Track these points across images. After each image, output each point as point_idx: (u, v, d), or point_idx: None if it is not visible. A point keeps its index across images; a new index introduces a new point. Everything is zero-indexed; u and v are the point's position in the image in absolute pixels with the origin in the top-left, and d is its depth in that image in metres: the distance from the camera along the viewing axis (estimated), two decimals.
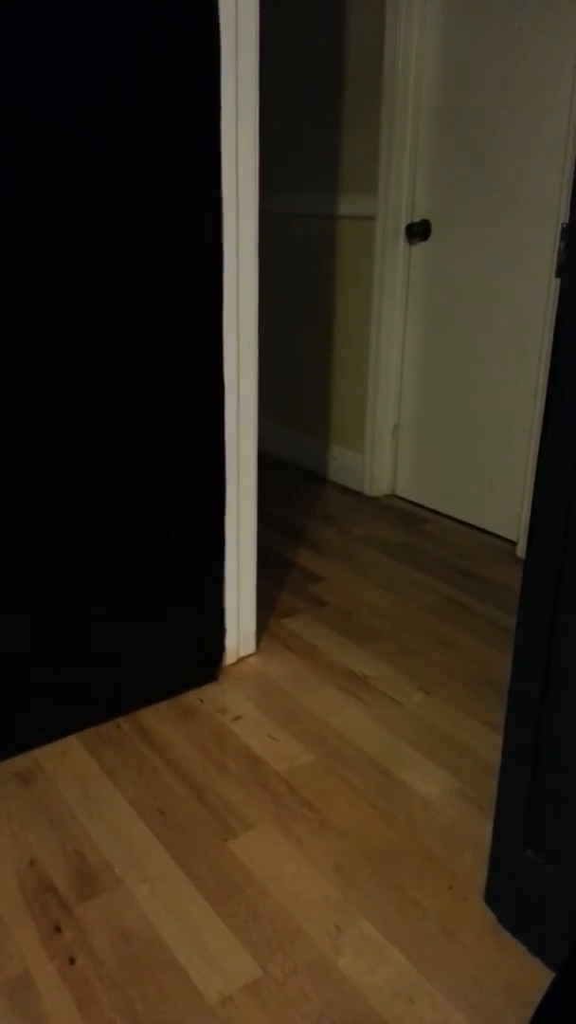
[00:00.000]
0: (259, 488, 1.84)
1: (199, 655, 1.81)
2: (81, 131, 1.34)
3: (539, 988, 1.14)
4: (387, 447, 3.00)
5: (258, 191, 1.61)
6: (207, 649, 1.83)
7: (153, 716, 1.71)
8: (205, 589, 1.78)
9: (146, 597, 1.67)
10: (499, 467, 2.63)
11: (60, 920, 1.23)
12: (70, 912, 1.24)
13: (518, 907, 1.21)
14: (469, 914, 1.26)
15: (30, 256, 1.35)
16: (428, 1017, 1.10)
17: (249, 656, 1.95)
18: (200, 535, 1.72)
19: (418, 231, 2.71)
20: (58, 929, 1.21)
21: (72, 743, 1.62)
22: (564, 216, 2.25)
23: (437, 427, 2.82)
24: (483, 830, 1.43)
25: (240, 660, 1.93)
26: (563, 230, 0.97)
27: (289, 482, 3.23)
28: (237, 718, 1.72)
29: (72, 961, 1.17)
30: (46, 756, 1.58)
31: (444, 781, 1.55)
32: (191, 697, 1.78)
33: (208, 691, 1.81)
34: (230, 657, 1.91)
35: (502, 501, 2.65)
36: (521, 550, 2.57)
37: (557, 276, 0.98)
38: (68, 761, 1.57)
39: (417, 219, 2.73)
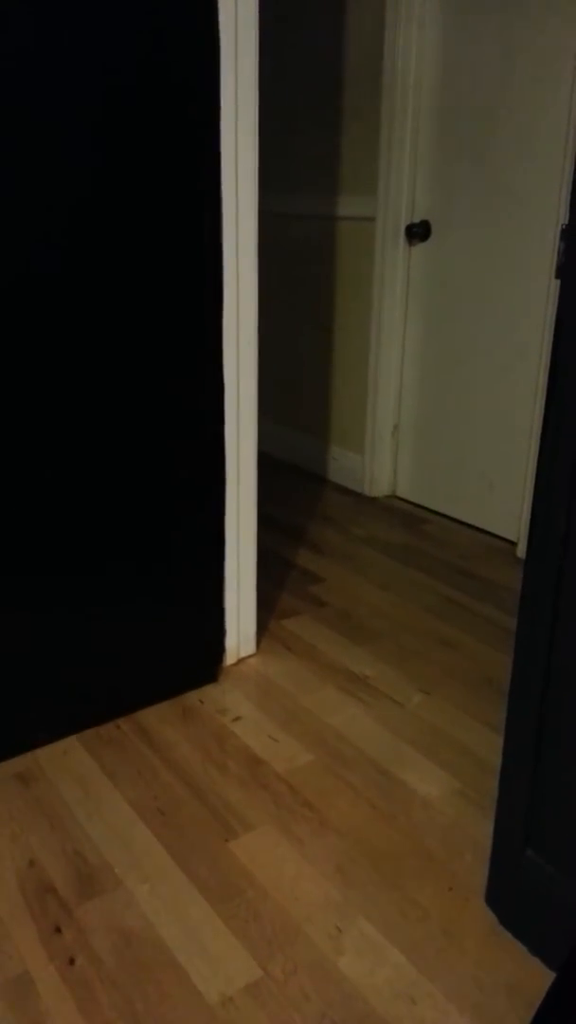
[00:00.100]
0: (259, 489, 1.84)
1: (199, 656, 1.81)
2: (81, 131, 1.34)
3: (540, 988, 1.14)
4: (387, 447, 3.00)
5: (258, 191, 1.61)
6: (207, 650, 1.83)
7: (153, 717, 1.71)
8: (205, 589, 1.78)
9: (146, 597, 1.67)
10: (499, 467, 2.63)
11: (60, 921, 1.23)
12: (70, 913, 1.24)
13: (519, 907, 1.21)
14: (470, 914, 1.26)
15: (30, 255, 1.35)
16: (429, 1018, 1.10)
17: (249, 657, 1.94)
18: (200, 535, 1.72)
19: (418, 232, 2.71)
20: (58, 930, 1.21)
21: (72, 744, 1.62)
22: (564, 217, 2.25)
23: (437, 428, 2.82)
24: (483, 830, 1.42)
25: (240, 661, 1.93)
26: (563, 231, 0.97)
27: (289, 483, 3.23)
28: (237, 719, 1.72)
29: (72, 962, 1.16)
30: (46, 757, 1.58)
31: (444, 781, 1.55)
32: (191, 698, 1.78)
33: (208, 692, 1.81)
34: (230, 658, 1.91)
35: (502, 501, 2.65)
36: (521, 550, 2.57)
37: (557, 277, 0.98)
38: (68, 762, 1.57)
39: (417, 220, 2.73)
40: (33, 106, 1.28)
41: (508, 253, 2.46)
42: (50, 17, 1.26)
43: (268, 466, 3.42)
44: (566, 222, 0.97)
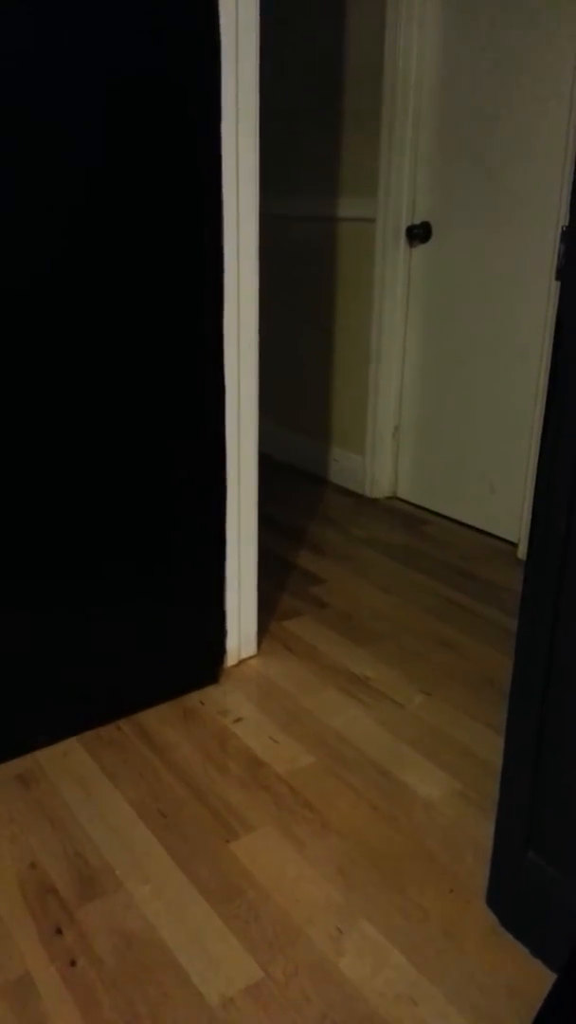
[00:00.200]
0: (260, 490, 1.84)
1: (200, 657, 1.81)
2: (81, 132, 1.34)
3: (541, 990, 1.14)
4: (388, 449, 3.00)
5: (258, 193, 1.61)
6: (208, 651, 1.83)
7: (154, 718, 1.71)
8: (206, 590, 1.78)
9: (147, 598, 1.67)
10: (500, 469, 2.63)
11: (61, 922, 1.23)
12: (71, 914, 1.24)
13: (520, 909, 1.21)
14: (471, 916, 1.26)
15: (30, 258, 1.35)
16: (430, 1019, 1.09)
17: (250, 658, 1.94)
18: (201, 536, 1.72)
19: (418, 233, 2.71)
20: (59, 931, 1.21)
21: (73, 745, 1.62)
22: (564, 218, 2.26)
23: (438, 429, 2.82)
24: (484, 832, 1.42)
25: (241, 662, 1.93)
26: (563, 232, 0.97)
27: (290, 484, 3.23)
28: (238, 720, 1.72)
29: (73, 963, 1.16)
30: (47, 758, 1.58)
31: (445, 783, 1.54)
32: (192, 699, 1.78)
33: (209, 693, 1.81)
34: (231, 659, 1.91)
35: (503, 503, 2.65)
36: (522, 552, 2.57)
37: (557, 279, 0.98)
38: (69, 763, 1.57)
39: (417, 221, 2.73)
40: (33, 107, 1.29)
41: (508, 254, 2.46)
42: (50, 18, 1.27)
43: (269, 467, 3.42)
44: (566, 224, 0.97)
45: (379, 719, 1.73)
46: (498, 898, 1.25)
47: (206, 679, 1.83)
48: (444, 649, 2.02)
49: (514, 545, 2.63)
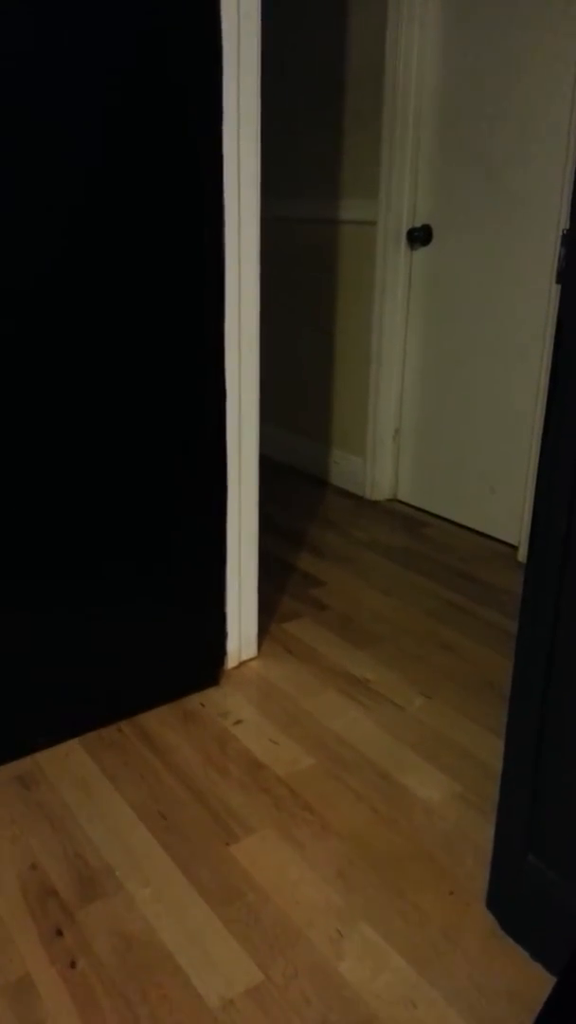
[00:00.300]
0: (260, 492, 1.84)
1: (200, 659, 1.81)
2: (82, 134, 1.35)
3: (540, 993, 1.14)
4: (388, 451, 3.00)
5: (259, 195, 1.62)
6: (208, 653, 1.83)
7: (154, 720, 1.71)
8: (206, 592, 1.78)
9: (147, 600, 1.67)
10: (500, 471, 2.63)
11: (61, 924, 1.23)
12: (71, 916, 1.24)
13: (519, 912, 1.21)
14: (471, 919, 1.26)
15: (31, 260, 1.36)
16: (429, 1022, 1.10)
17: (250, 660, 1.95)
18: (202, 538, 1.72)
19: (419, 236, 2.71)
20: (59, 933, 1.21)
21: (73, 746, 1.62)
22: (564, 221, 2.26)
23: (438, 431, 2.83)
24: (484, 835, 1.42)
25: (241, 664, 1.93)
26: (563, 236, 0.97)
27: (290, 486, 3.23)
28: (238, 722, 1.72)
29: (73, 965, 1.17)
30: (47, 759, 1.58)
31: (445, 785, 1.55)
32: (192, 701, 1.78)
33: (209, 695, 1.81)
34: (231, 661, 1.91)
35: (503, 505, 2.65)
36: (522, 554, 2.57)
37: (557, 282, 0.99)
38: (69, 764, 1.57)
39: (418, 224, 2.73)
40: (34, 108, 1.29)
41: (509, 257, 2.47)
42: (51, 19, 1.27)
43: (269, 469, 3.42)
44: (567, 227, 0.97)
45: (379, 721, 1.73)
46: (498, 901, 1.25)
47: (206, 681, 1.83)
48: (444, 651, 2.02)
49: (514, 547, 2.63)
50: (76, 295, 1.41)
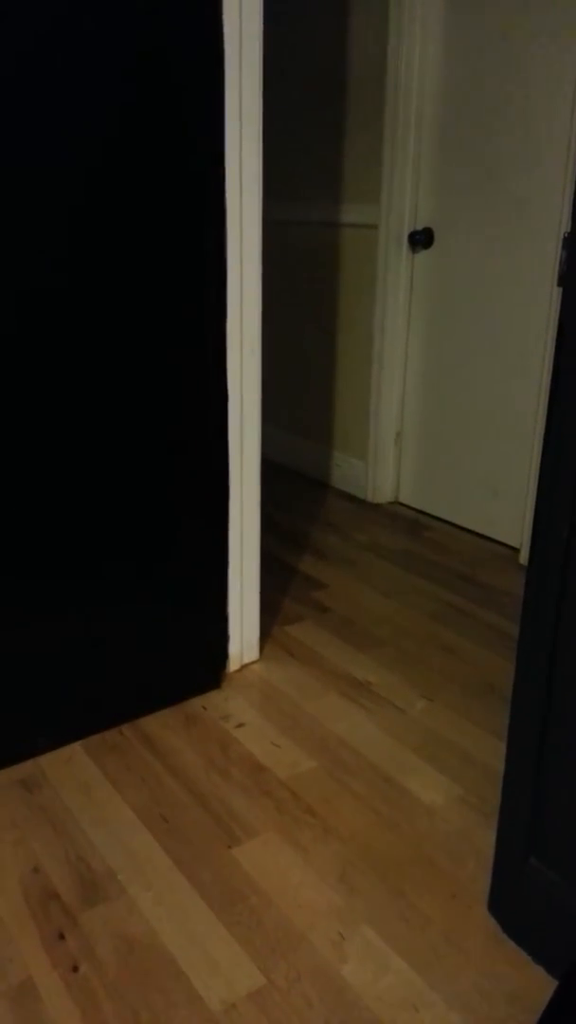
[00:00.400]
0: (262, 494, 1.84)
1: (202, 662, 1.81)
2: (83, 137, 1.35)
3: (542, 996, 1.14)
4: (390, 454, 3.00)
5: (261, 198, 1.62)
6: (210, 656, 1.83)
7: (156, 723, 1.71)
8: (208, 595, 1.79)
9: (149, 603, 1.67)
10: (502, 474, 2.63)
11: (64, 927, 1.23)
12: (74, 919, 1.24)
13: (521, 915, 1.21)
14: (472, 922, 1.26)
15: (32, 262, 1.36)
16: None
17: (252, 663, 1.95)
18: (203, 541, 1.73)
19: (420, 239, 2.71)
20: (62, 936, 1.21)
21: (76, 750, 1.62)
22: (566, 225, 2.26)
23: (440, 434, 2.83)
24: (486, 838, 1.42)
25: (243, 667, 1.93)
26: (565, 239, 0.97)
27: (292, 489, 3.23)
28: (240, 725, 1.72)
29: (75, 968, 1.17)
30: (50, 763, 1.58)
31: (447, 788, 1.54)
32: (194, 704, 1.78)
33: (211, 698, 1.81)
34: (233, 664, 1.91)
35: (505, 508, 2.65)
36: (524, 557, 2.57)
37: (559, 285, 0.99)
38: (72, 768, 1.57)
39: (419, 227, 2.74)
40: (35, 109, 1.29)
41: (510, 261, 2.47)
42: (52, 19, 1.27)
43: (271, 472, 3.42)
44: (568, 230, 0.98)
45: (381, 724, 1.73)
46: (499, 904, 1.25)
47: (208, 684, 1.83)
48: (446, 654, 2.02)
49: (516, 550, 2.63)
50: (78, 296, 1.42)
